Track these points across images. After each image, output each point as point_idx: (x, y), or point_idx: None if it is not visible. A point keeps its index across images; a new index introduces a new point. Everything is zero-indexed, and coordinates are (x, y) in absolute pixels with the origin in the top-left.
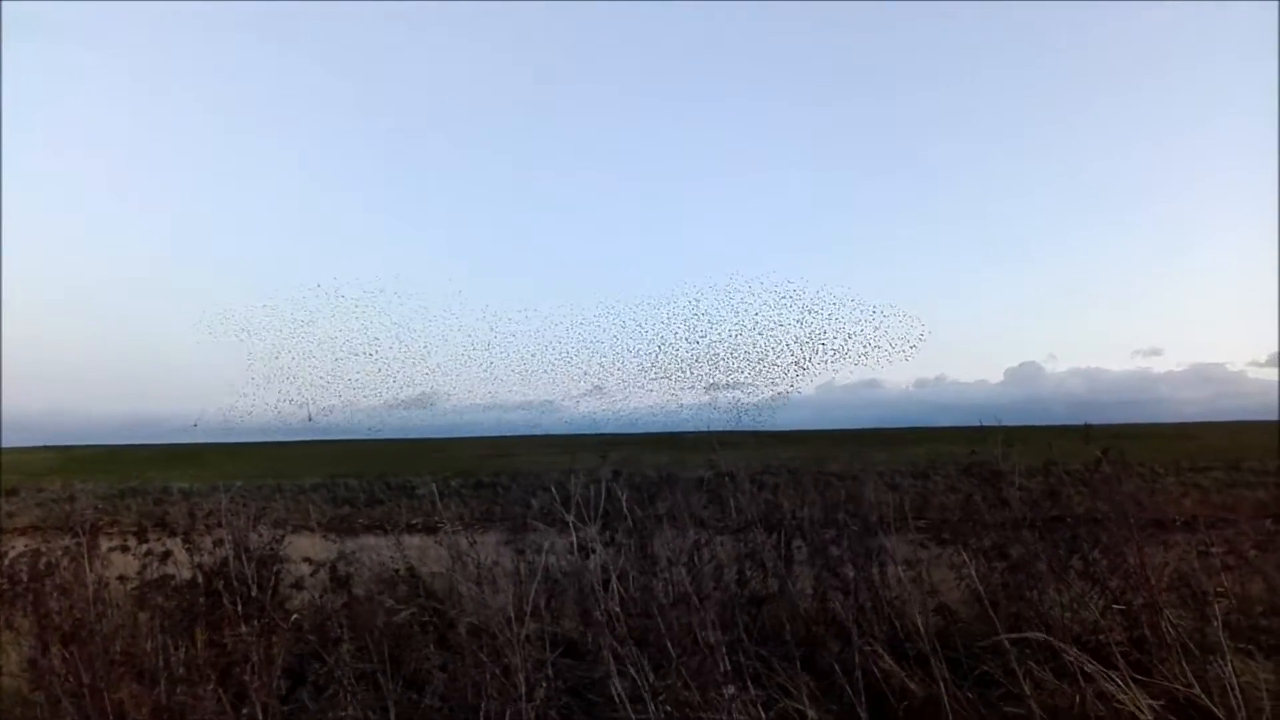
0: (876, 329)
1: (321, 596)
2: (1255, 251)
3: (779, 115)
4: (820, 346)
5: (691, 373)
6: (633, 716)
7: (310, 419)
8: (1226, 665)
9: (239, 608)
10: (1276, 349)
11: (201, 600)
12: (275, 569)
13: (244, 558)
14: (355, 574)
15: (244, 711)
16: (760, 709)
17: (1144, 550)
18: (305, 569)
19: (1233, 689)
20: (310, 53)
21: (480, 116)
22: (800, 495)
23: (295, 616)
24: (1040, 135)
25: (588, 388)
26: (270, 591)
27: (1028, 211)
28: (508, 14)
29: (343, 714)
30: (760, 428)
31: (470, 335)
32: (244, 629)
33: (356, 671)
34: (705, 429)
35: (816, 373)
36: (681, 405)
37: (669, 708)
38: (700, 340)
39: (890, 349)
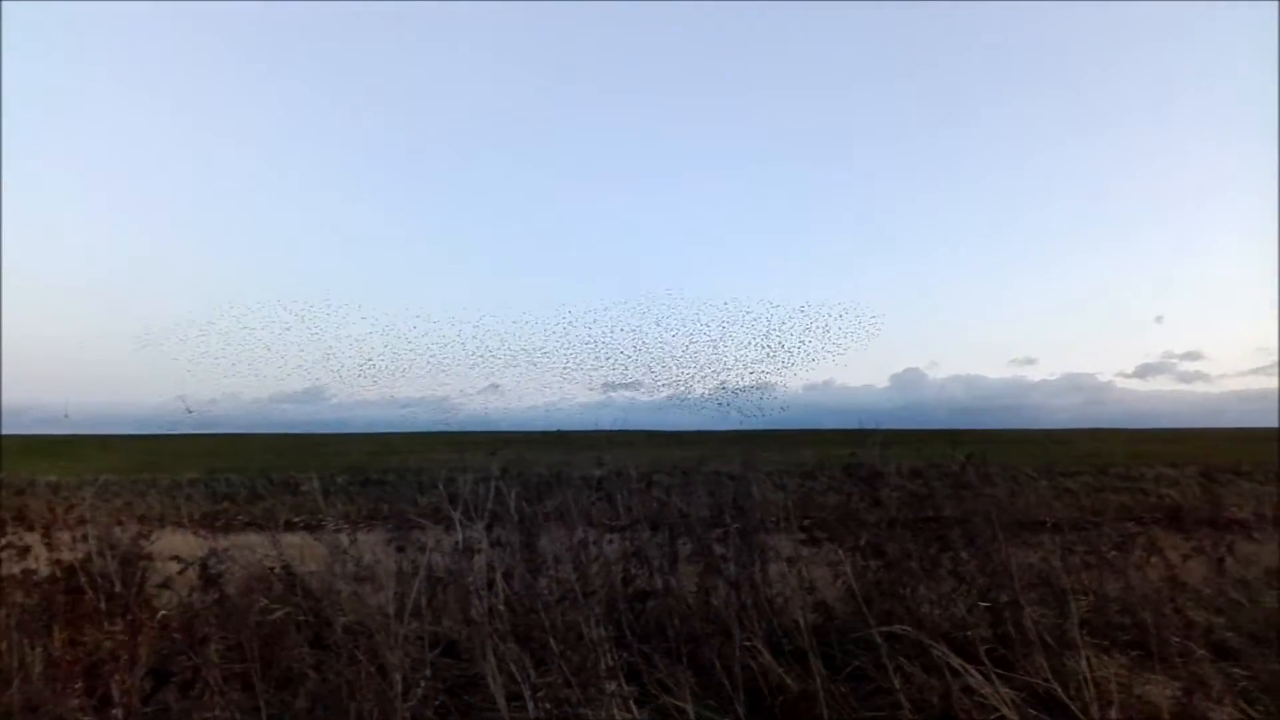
0: (835, 331)
1: (190, 594)
2: (1124, 266)
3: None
4: (783, 346)
5: (654, 374)
6: (507, 716)
7: (190, 411)
8: (1081, 660)
9: (101, 606)
10: (1143, 361)
11: (61, 598)
12: (142, 566)
13: (107, 554)
14: (228, 572)
15: (112, 713)
16: (639, 705)
17: (1008, 550)
18: (174, 566)
19: (1086, 682)
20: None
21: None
22: (689, 494)
23: (161, 614)
24: (928, 148)
25: (484, 385)
26: (136, 589)
27: (913, 221)
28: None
29: (209, 715)
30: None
31: (368, 331)
32: (107, 627)
33: (226, 671)
34: (610, 427)
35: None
36: (579, 404)
37: (548, 705)
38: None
39: (848, 348)
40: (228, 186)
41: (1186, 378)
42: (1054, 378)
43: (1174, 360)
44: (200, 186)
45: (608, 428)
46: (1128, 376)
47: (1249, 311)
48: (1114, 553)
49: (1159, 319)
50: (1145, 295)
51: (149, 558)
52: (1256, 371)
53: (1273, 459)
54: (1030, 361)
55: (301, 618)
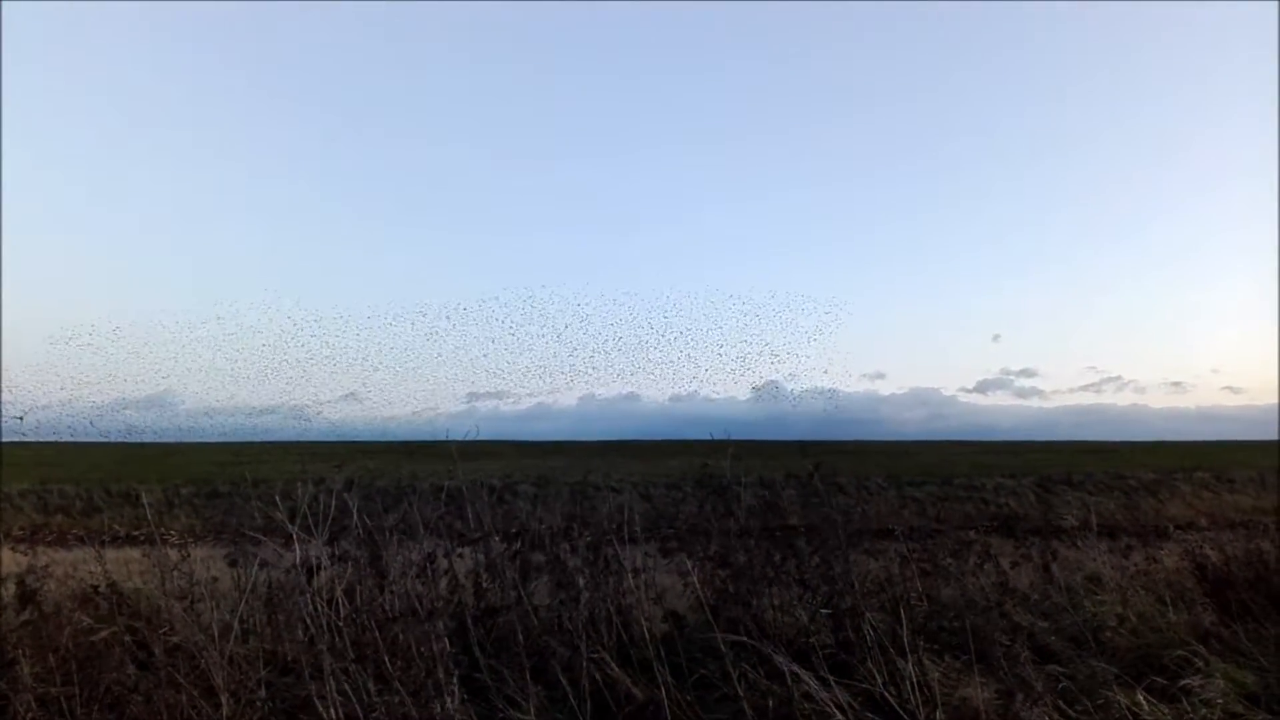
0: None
1: (3, 613)
2: (965, 286)
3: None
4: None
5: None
6: None
7: (21, 419)
8: (908, 663)
9: None
10: (983, 377)
11: None
12: None
13: None
14: (46, 589)
15: None
16: None
17: (850, 558)
18: None
19: (914, 685)
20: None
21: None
22: (548, 505)
23: None
24: (786, 167)
25: (342, 393)
26: None
27: (772, 236)
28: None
29: None
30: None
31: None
32: None
33: (42, 695)
34: (463, 438)
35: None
36: (443, 413)
37: None
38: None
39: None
40: (67, 187)
41: (1023, 393)
42: (902, 392)
43: (1011, 377)
44: (35, 189)
45: (460, 438)
46: (969, 391)
47: (1077, 332)
48: (950, 560)
49: (996, 338)
50: (984, 315)
51: None
52: (1085, 388)
53: (1100, 470)
54: (880, 376)
55: (128, 638)
